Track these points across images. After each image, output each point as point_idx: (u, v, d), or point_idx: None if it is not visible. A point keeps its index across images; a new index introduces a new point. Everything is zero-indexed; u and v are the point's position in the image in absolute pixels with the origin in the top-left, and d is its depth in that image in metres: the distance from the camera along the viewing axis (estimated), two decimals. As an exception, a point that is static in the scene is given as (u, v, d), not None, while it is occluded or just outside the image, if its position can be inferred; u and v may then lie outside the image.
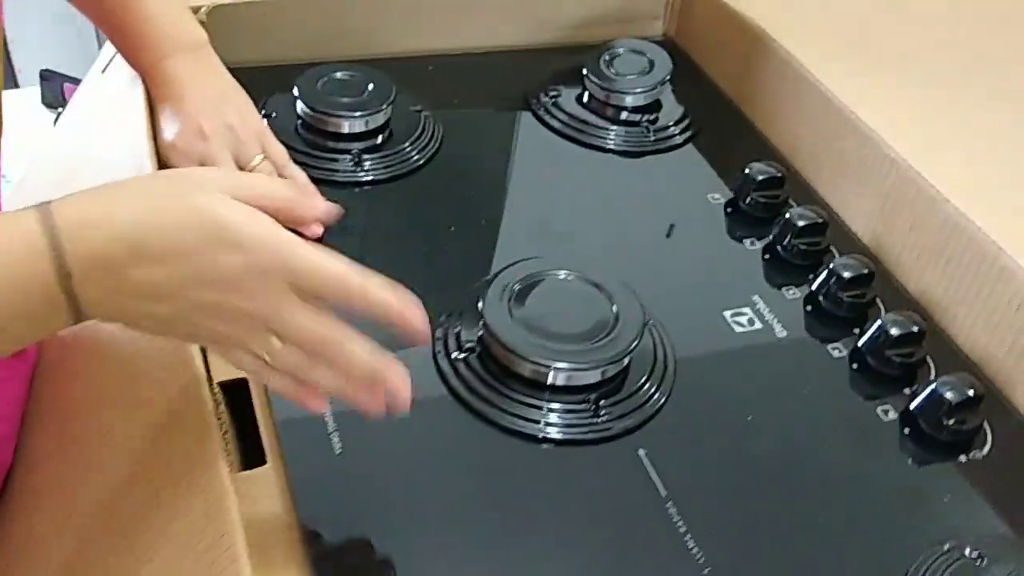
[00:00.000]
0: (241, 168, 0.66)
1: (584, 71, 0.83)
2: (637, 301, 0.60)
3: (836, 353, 0.64)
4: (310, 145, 0.74)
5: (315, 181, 0.70)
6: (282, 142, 0.70)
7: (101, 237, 0.41)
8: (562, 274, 0.62)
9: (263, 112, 0.74)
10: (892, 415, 0.60)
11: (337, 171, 0.73)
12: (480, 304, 0.59)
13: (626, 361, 0.58)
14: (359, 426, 0.54)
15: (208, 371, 0.55)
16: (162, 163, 0.66)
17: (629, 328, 0.59)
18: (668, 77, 0.84)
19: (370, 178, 0.74)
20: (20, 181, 0.89)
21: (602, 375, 0.57)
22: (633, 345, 0.58)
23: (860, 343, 0.63)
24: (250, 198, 0.43)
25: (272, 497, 0.51)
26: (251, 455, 0.53)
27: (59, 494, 0.58)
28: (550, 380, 0.57)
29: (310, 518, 0.50)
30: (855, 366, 0.63)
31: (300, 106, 0.75)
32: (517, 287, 0.60)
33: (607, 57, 0.84)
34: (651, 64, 0.84)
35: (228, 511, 0.46)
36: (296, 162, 0.71)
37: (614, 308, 0.60)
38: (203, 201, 0.42)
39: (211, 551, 0.44)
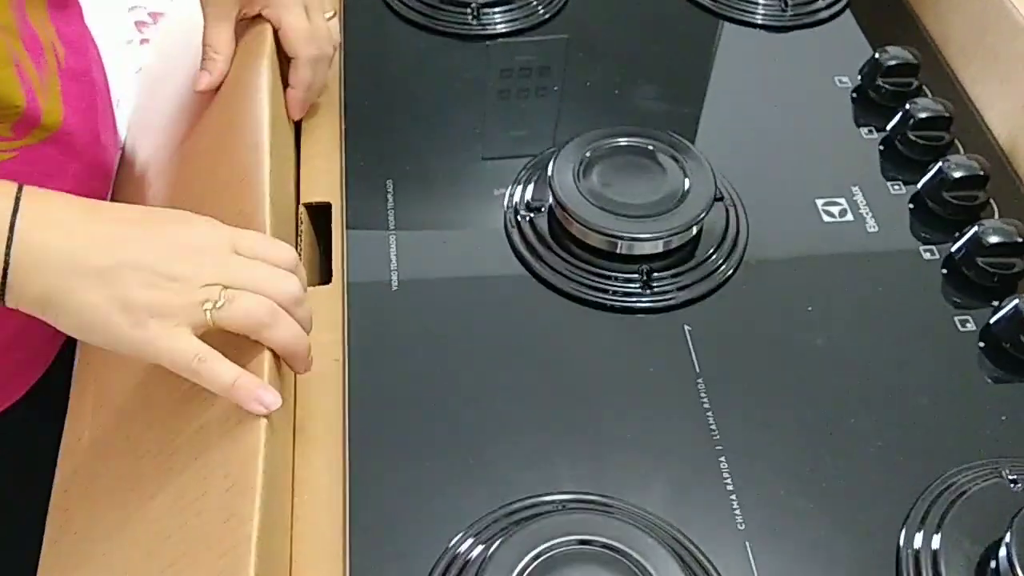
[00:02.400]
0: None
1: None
2: (712, 177, 0.59)
3: (928, 256, 0.60)
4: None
5: (430, 31, 0.73)
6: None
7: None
8: (638, 144, 0.62)
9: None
10: (971, 327, 0.57)
11: (455, 23, 0.75)
12: (550, 166, 0.60)
13: (680, 238, 0.58)
14: (418, 269, 0.58)
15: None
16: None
17: (694, 204, 0.58)
18: (820, -53, 0.78)
19: (488, 31, 0.74)
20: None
21: (661, 246, 0.58)
22: (691, 222, 0.57)
23: (954, 248, 0.60)
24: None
25: (331, 315, 0.55)
26: (326, 275, 0.58)
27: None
28: (603, 246, 0.57)
29: (359, 345, 0.54)
30: (945, 271, 0.60)
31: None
32: (591, 154, 0.61)
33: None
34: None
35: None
36: (414, 12, 0.74)
37: (686, 182, 0.59)
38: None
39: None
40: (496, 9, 0.75)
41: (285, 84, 0.64)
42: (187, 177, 0.59)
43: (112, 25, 1.79)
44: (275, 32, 0.62)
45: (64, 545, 0.46)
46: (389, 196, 0.62)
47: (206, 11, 0.61)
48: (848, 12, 0.78)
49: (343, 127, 0.66)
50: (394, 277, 0.57)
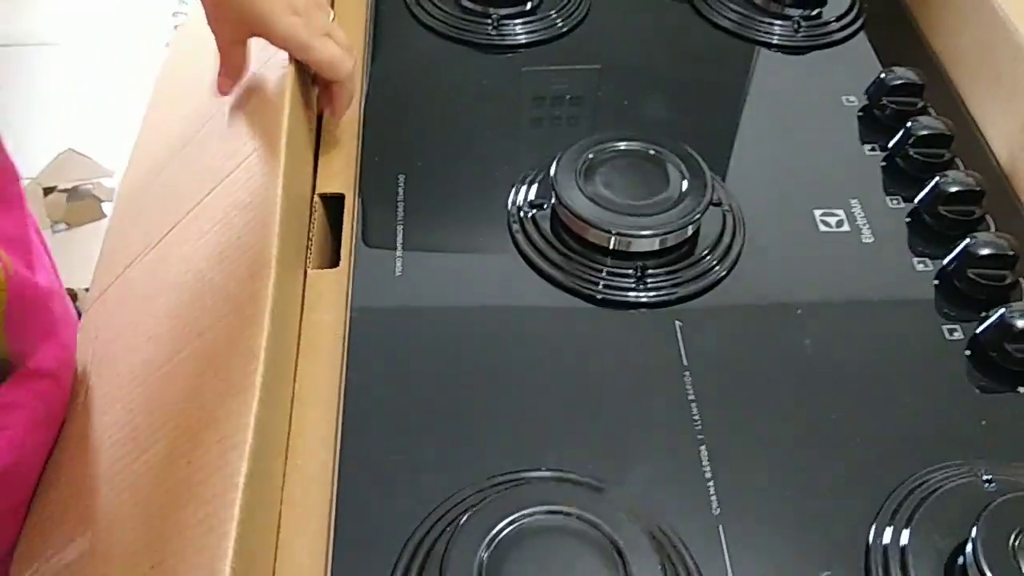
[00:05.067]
0: None
1: (746, -42, 0.82)
2: (709, 182, 0.61)
3: (921, 267, 0.62)
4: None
5: (451, 40, 0.76)
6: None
7: None
8: (641, 149, 0.64)
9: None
10: (958, 335, 0.58)
11: (473, 33, 0.78)
12: (553, 166, 0.62)
13: (675, 236, 0.60)
14: (421, 258, 0.60)
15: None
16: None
17: (690, 206, 0.60)
18: (834, -28, 0.80)
19: (506, 42, 0.77)
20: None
21: (656, 244, 0.60)
22: (685, 221, 0.59)
23: (946, 260, 0.61)
24: None
25: (336, 296, 0.58)
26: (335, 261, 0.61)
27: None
28: (600, 242, 0.60)
29: (359, 324, 0.57)
30: (936, 283, 0.61)
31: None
32: (594, 156, 0.63)
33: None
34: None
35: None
36: (435, 19, 0.77)
37: (684, 185, 0.61)
38: None
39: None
40: (517, 21, 0.78)
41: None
42: (202, 163, 0.63)
43: (152, 28, 1.86)
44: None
45: (54, 493, 0.49)
46: (400, 189, 0.65)
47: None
48: (861, 34, 0.80)
49: (361, 123, 0.69)
50: (398, 264, 0.60)
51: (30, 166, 1.78)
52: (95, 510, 0.46)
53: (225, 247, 0.54)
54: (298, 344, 0.56)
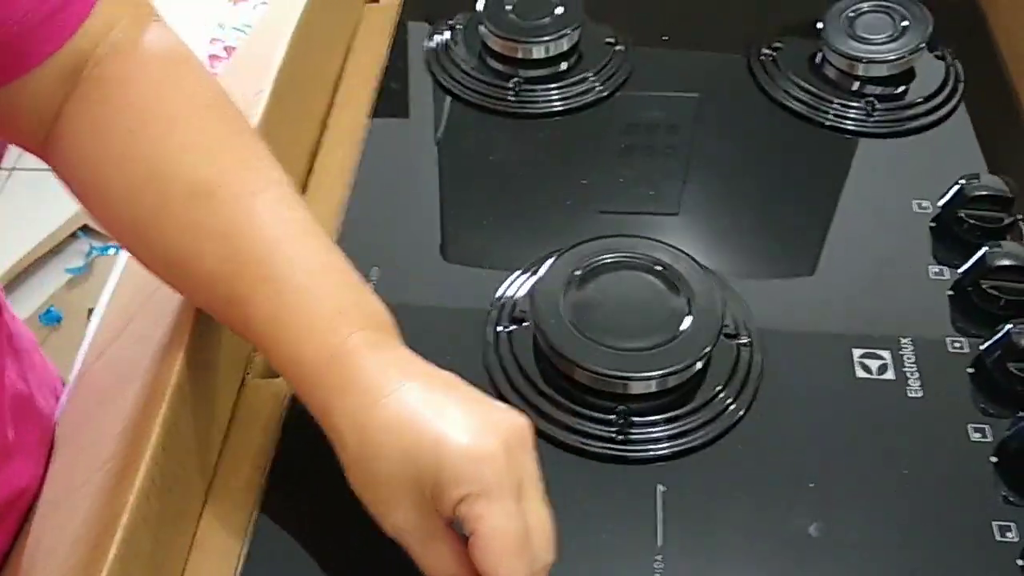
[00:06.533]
0: None
1: (819, 25, 0.70)
2: (718, 320, 0.51)
3: (976, 437, 0.50)
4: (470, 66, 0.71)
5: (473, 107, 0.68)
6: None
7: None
8: (644, 261, 0.54)
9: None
10: (1011, 536, 0.46)
11: (493, 97, 0.69)
12: (537, 276, 0.53)
13: (667, 381, 0.50)
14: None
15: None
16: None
17: (691, 342, 0.50)
18: (923, 44, 0.68)
19: (525, 111, 0.69)
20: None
21: (651, 386, 0.50)
22: (674, 370, 0.49)
23: (1010, 432, 0.49)
24: None
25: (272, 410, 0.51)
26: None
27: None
28: (579, 378, 0.50)
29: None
30: (995, 460, 0.49)
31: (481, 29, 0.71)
32: (588, 266, 0.54)
33: (851, 14, 0.70)
34: (903, 23, 0.69)
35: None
36: (456, 82, 0.69)
37: (687, 321, 0.51)
38: None
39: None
40: (538, 87, 0.69)
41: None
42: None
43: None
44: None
45: None
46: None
47: (405, 544, 0.40)
48: (952, 120, 0.68)
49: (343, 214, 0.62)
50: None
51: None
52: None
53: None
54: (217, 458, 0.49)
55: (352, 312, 0.42)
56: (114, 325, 0.53)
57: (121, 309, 0.54)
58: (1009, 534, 0.46)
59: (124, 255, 0.57)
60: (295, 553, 0.46)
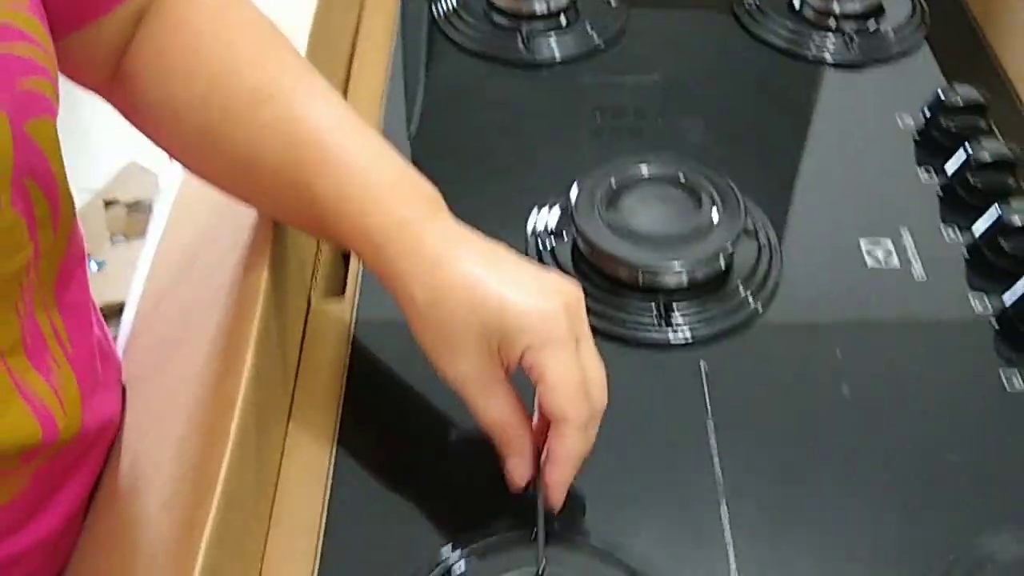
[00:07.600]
0: None
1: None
2: (740, 215, 0.56)
3: (978, 307, 0.56)
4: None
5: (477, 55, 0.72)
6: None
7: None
8: (669, 175, 0.59)
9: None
10: (1019, 385, 0.52)
11: (503, 47, 0.74)
12: (573, 191, 0.58)
13: (701, 271, 0.55)
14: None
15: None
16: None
17: (718, 237, 0.55)
18: (892, -18, 0.74)
19: (535, 59, 0.73)
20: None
21: (682, 279, 0.55)
22: (710, 256, 0.54)
23: (1009, 299, 0.55)
24: None
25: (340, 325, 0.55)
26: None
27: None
28: (622, 276, 0.55)
29: (362, 346, 0.53)
30: (997, 326, 0.55)
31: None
32: (617, 182, 0.58)
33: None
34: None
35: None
36: (462, 34, 0.73)
37: (715, 215, 0.56)
38: None
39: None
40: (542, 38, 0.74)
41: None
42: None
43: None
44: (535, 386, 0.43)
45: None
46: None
47: (466, 392, 0.45)
48: (922, 48, 0.74)
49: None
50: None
51: (94, 177, 1.79)
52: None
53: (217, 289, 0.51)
54: (295, 378, 0.53)
55: (408, 188, 0.46)
56: (176, 263, 0.57)
57: (181, 249, 0.57)
58: (1017, 382, 0.52)
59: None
60: (377, 452, 0.50)
